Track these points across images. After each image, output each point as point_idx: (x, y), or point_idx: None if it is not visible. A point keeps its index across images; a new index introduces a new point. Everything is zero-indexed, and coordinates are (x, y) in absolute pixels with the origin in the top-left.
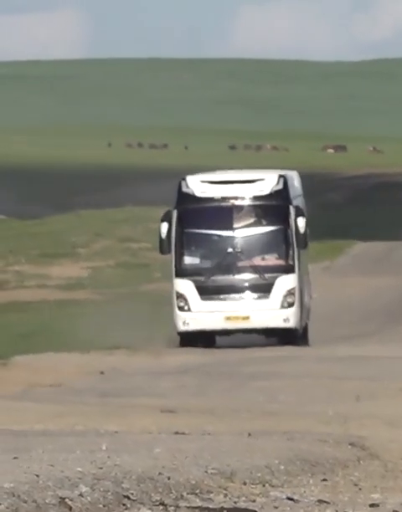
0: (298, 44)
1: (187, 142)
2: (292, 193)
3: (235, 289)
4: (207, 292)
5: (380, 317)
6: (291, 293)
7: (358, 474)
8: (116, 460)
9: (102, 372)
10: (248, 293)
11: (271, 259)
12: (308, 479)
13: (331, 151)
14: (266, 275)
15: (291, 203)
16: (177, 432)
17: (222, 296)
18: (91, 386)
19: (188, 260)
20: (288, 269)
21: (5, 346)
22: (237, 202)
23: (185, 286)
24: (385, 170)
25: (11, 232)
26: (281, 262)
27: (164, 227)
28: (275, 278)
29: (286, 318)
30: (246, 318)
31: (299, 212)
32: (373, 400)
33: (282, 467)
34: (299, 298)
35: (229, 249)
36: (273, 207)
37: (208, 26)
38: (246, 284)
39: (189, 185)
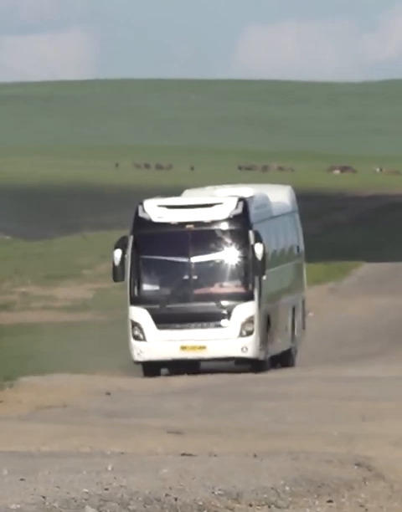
0: (305, 65)
1: (193, 162)
2: (253, 217)
3: (192, 317)
4: (162, 320)
5: (386, 337)
6: (249, 321)
7: (364, 495)
8: (123, 481)
9: (108, 393)
10: (205, 321)
11: (229, 287)
12: (314, 500)
13: (337, 171)
14: (224, 303)
15: (250, 228)
16: (183, 454)
17: (178, 325)
18: (97, 406)
19: (144, 287)
20: (247, 297)
21: (12, 368)
22: (194, 228)
23: (140, 314)
24: (392, 191)
25: (17, 252)
26: (240, 289)
27: (117, 253)
28: (234, 306)
29: (245, 347)
30: (202, 347)
31: (258, 238)
32: (378, 420)
33: (288, 488)
34: (259, 326)
35: (186, 276)
36: (231, 233)
37: (215, 47)
38: (203, 313)
39: (146, 209)
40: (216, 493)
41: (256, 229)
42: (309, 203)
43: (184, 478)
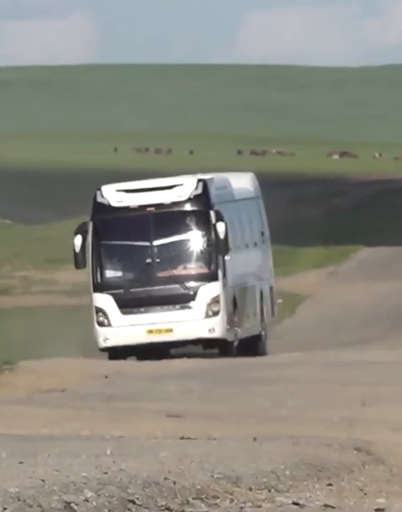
0: (306, 50)
1: (193, 147)
2: (214, 198)
3: (157, 300)
4: (127, 305)
5: (385, 322)
6: (215, 301)
7: (363, 479)
8: (122, 465)
9: (107, 377)
10: (170, 304)
11: (193, 268)
12: (314, 484)
13: (336, 157)
14: (188, 284)
15: (211, 208)
16: (182, 437)
17: (143, 309)
18: (96, 390)
19: (106, 273)
20: (211, 277)
21: (11, 351)
22: (155, 210)
23: (104, 300)
24: (392, 176)
25: (17, 237)
26: (204, 270)
27: (78, 240)
28: (198, 287)
29: (212, 328)
30: (169, 330)
31: (219, 218)
32: (378, 405)
33: (288, 472)
34: (225, 306)
35: (149, 260)
36: (192, 213)
37: (217, 32)
38: (168, 295)
39: (104, 194)
40: (215, 476)
41: (217, 209)
42: (309, 188)
43: (183, 461)
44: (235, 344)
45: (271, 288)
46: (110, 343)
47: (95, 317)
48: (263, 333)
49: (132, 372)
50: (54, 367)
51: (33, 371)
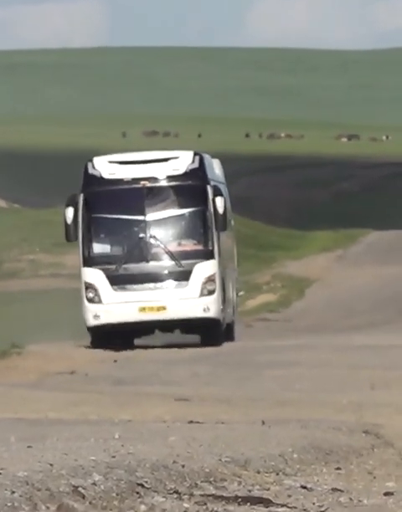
0: (315, 33)
1: (202, 130)
2: (210, 173)
3: (150, 277)
4: (119, 281)
5: (394, 306)
6: (210, 280)
7: (372, 462)
8: (130, 449)
9: (115, 361)
10: (164, 281)
11: (188, 244)
12: (322, 468)
13: (344, 139)
14: (183, 262)
15: (208, 183)
16: (191, 421)
17: (135, 285)
18: (105, 374)
19: (97, 248)
20: (207, 255)
21: (19, 335)
22: (149, 183)
23: (95, 276)
24: (399, 159)
25: (25, 221)
26: (200, 247)
27: (69, 212)
28: (194, 264)
29: (206, 307)
30: (162, 308)
31: (217, 192)
32: (387, 388)
33: (296, 455)
34: (220, 285)
35: (142, 235)
36: (189, 188)
37: (225, 15)
38: (162, 272)
39: (96, 166)
40: (223, 460)
41: (214, 184)
42: (318, 171)
43: (192, 445)
44: (223, 327)
45: (236, 278)
46: (101, 320)
47: (84, 293)
48: (233, 321)
49: (141, 356)
50: (63, 351)
51: (41, 355)
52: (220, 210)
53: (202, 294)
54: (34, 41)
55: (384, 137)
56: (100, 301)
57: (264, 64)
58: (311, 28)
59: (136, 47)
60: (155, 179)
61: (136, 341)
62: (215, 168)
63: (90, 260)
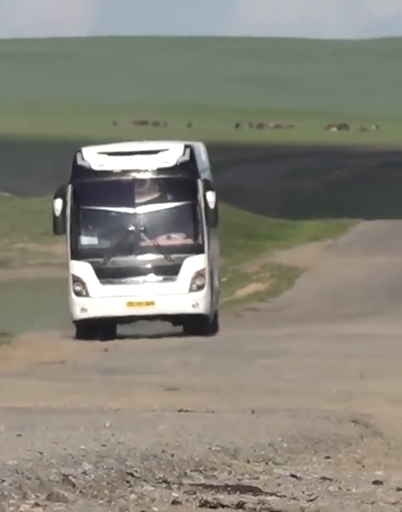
0: (305, 22)
1: (192, 120)
2: (200, 165)
3: (138, 271)
4: (107, 275)
5: (384, 295)
6: (200, 275)
7: (361, 452)
8: (120, 438)
9: (106, 350)
10: (152, 276)
11: (178, 238)
12: (311, 457)
13: (334, 129)
14: (173, 256)
15: (198, 176)
16: (180, 410)
17: (124, 279)
18: (95, 363)
19: (85, 240)
20: (197, 249)
21: (9, 324)
22: (139, 176)
23: (82, 269)
24: (390, 148)
25: (14, 210)
26: (189, 241)
27: (58, 204)
28: (183, 259)
29: (195, 303)
30: (151, 303)
31: (208, 186)
32: (377, 378)
33: (285, 444)
34: (209, 280)
35: (131, 228)
36: (179, 181)
37: (215, 4)
38: (150, 266)
39: (85, 157)
40: (213, 449)
41: (205, 177)
42: (308, 161)
43: (181, 434)
44: (211, 320)
45: (219, 269)
46: (89, 314)
47: (71, 286)
48: (217, 310)
49: (131, 345)
50: (53, 340)
51: (31, 344)
52: (211, 205)
53: (191, 290)
54: (23, 30)
55: (374, 127)
56: (87, 295)
57: (254, 53)
58: (301, 17)
59: (127, 36)
60: (145, 171)
61: (126, 331)
62: (201, 154)
63: (77, 253)
